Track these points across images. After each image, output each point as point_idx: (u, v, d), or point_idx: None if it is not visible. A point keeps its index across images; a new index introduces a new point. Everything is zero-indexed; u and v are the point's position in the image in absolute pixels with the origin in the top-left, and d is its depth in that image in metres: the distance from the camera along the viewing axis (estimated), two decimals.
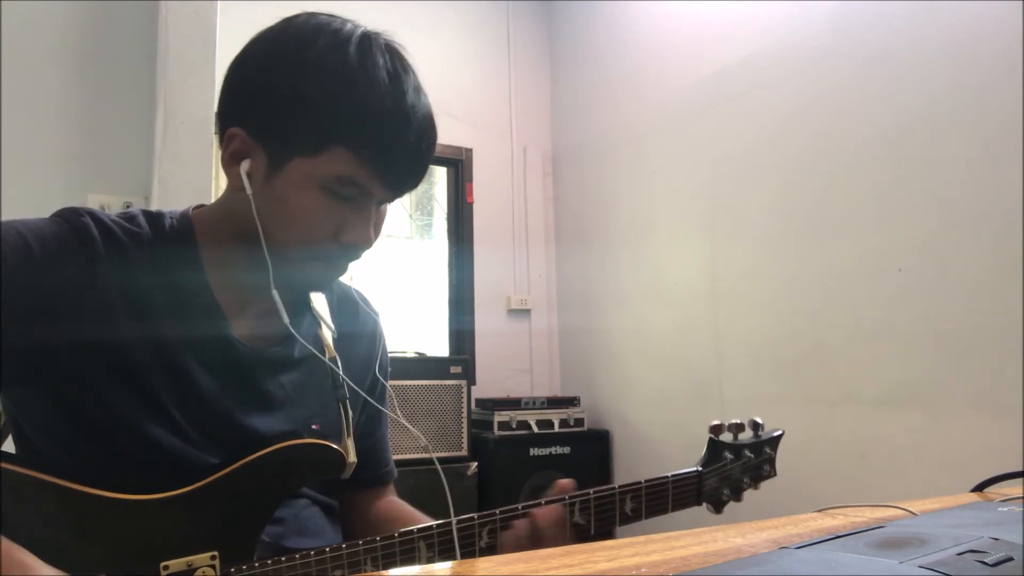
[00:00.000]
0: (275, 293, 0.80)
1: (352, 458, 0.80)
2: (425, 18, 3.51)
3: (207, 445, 0.79)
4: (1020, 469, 0.96)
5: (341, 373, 0.89)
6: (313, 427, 0.86)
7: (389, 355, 1.08)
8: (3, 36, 2.57)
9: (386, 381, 1.04)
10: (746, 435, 0.96)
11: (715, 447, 0.94)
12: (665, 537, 0.71)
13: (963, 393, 1.93)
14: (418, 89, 0.81)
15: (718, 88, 2.77)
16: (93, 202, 2.66)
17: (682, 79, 2.96)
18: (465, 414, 2.91)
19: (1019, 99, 1.83)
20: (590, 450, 3.15)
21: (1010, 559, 0.47)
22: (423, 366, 2.95)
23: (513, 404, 3.08)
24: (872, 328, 2.17)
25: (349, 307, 1.00)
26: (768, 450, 0.98)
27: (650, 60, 3.16)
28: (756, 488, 0.96)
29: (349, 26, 0.80)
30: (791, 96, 2.48)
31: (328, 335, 0.90)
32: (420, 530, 0.79)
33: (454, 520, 0.81)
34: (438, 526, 0.79)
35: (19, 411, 0.82)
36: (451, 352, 3.50)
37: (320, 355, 0.87)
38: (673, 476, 0.90)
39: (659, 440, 2.99)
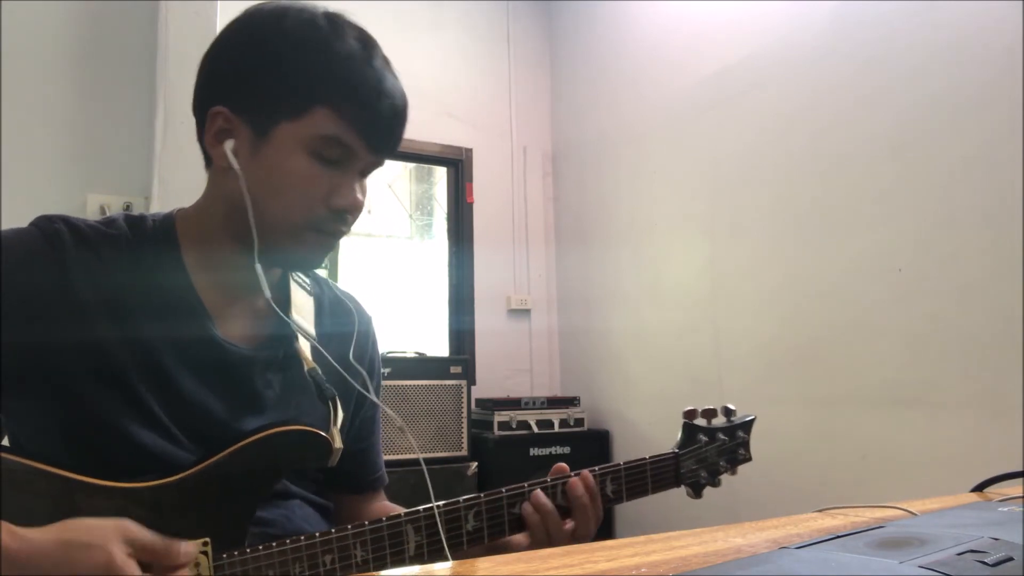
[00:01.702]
0: (258, 267, 0.80)
1: (338, 444, 0.80)
2: (425, 18, 3.52)
3: (195, 447, 0.80)
4: (1020, 469, 0.96)
5: (323, 369, 0.89)
6: None
7: (387, 355, 1.07)
8: (3, 36, 2.57)
9: (378, 383, 1.04)
10: (719, 421, 0.98)
11: (690, 431, 0.95)
12: (665, 537, 0.71)
13: (963, 393, 1.93)
14: (386, 59, 0.84)
15: (718, 88, 2.77)
16: (93, 202, 2.66)
17: (682, 79, 2.96)
18: (465, 414, 2.91)
19: (1019, 99, 1.83)
20: (590, 450, 3.15)
21: (1010, 559, 0.47)
22: (423, 366, 2.95)
23: (513, 404, 3.08)
24: (872, 328, 2.17)
25: (341, 308, 1.00)
26: (741, 434, 0.99)
27: (650, 60, 3.16)
28: (733, 473, 0.97)
29: (312, 5, 0.83)
30: (791, 96, 2.47)
31: (308, 332, 0.90)
32: (407, 514, 0.79)
33: (483, 496, 0.82)
34: (424, 510, 0.80)
35: (12, 421, 0.82)
36: (451, 352, 3.50)
37: (312, 341, 0.88)
38: (651, 458, 0.91)
39: (659, 440, 2.97)
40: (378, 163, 0.85)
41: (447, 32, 3.60)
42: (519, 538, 0.88)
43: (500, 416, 2.99)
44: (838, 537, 0.57)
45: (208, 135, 0.83)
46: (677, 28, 3.02)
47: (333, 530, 0.76)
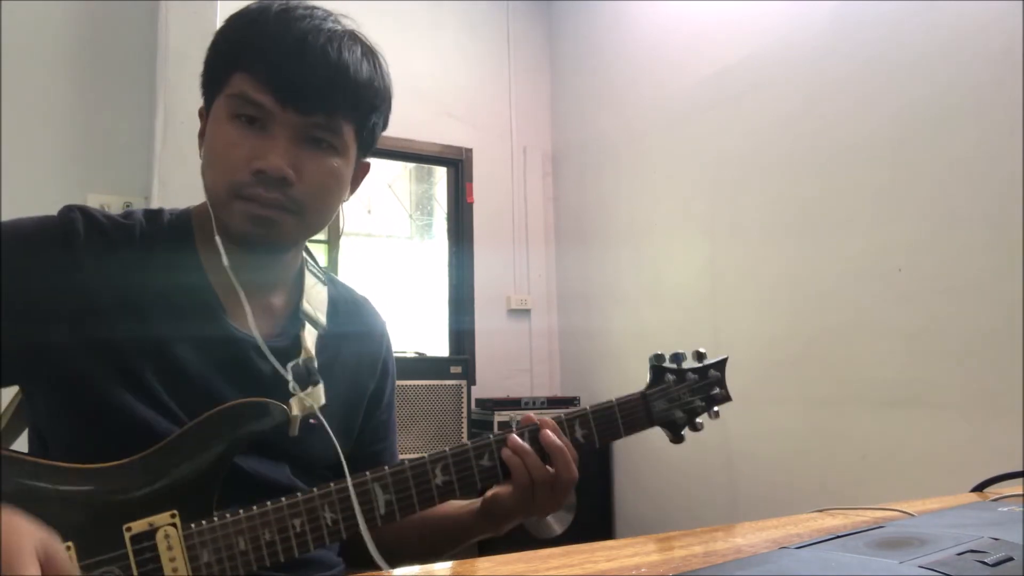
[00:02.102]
0: (218, 239, 0.81)
1: (295, 412, 0.81)
2: (425, 18, 3.52)
3: None
4: (1020, 469, 0.97)
5: (335, 368, 0.90)
6: (310, 420, 0.86)
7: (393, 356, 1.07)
8: (3, 36, 2.57)
9: (392, 388, 1.04)
10: (690, 364, 0.96)
11: (657, 372, 0.92)
12: (665, 537, 0.71)
13: (963, 393, 1.93)
14: (328, 18, 0.83)
15: (718, 88, 2.77)
16: (93, 202, 2.66)
17: (682, 79, 2.96)
18: (465, 414, 2.91)
19: (1019, 99, 1.83)
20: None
21: (1010, 559, 0.47)
22: (423, 366, 2.95)
23: (513, 404, 3.08)
24: (872, 328, 2.17)
25: (352, 309, 1.00)
26: (714, 372, 0.95)
27: (650, 60, 3.16)
28: (713, 416, 0.94)
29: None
30: (791, 96, 2.48)
31: (311, 337, 0.89)
32: (373, 473, 0.79)
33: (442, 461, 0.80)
34: (390, 468, 0.79)
35: (31, 406, 0.83)
36: (451, 352, 3.50)
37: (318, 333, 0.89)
38: (618, 399, 0.90)
39: (659, 439, 2.98)
40: (310, 122, 0.80)
41: (447, 32, 3.60)
42: (502, 490, 0.87)
43: (500, 416, 2.99)
44: (838, 537, 0.57)
45: (199, 135, 0.87)
46: (677, 28, 3.02)
47: (299, 494, 0.76)
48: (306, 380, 0.85)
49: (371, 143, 0.91)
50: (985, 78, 1.92)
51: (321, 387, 0.86)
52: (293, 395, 0.84)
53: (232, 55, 0.81)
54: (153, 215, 0.87)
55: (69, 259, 0.79)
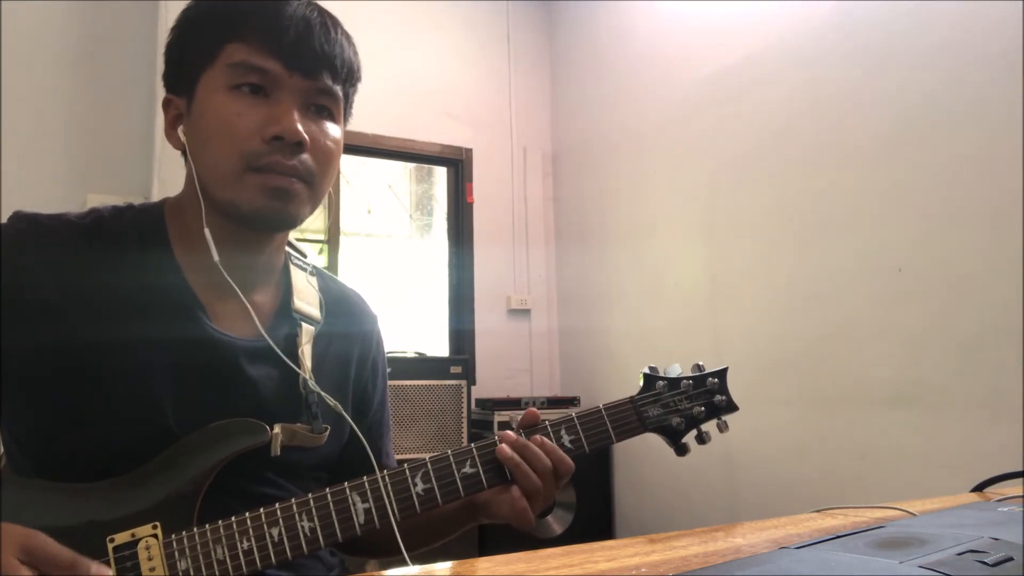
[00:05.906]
0: (207, 231, 0.79)
1: (276, 431, 0.80)
2: (425, 18, 3.52)
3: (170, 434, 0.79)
4: (1020, 469, 0.97)
5: (327, 366, 0.89)
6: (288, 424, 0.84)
7: (387, 355, 1.06)
8: (3, 36, 2.57)
9: (384, 384, 1.03)
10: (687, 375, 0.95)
11: (649, 380, 0.91)
12: (665, 537, 0.71)
13: (963, 393, 1.93)
14: None
15: (718, 88, 2.77)
16: (93, 202, 2.65)
17: (682, 79, 2.96)
18: (465, 414, 2.91)
19: (1019, 99, 1.83)
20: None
21: (1010, 559, 0.47)
22: (423, 366, 2.95)
23: (513, 404, 3.08)
24: (872, 328, 2.17)
25: (344, 306, 0.98)
26: (712, 380, 0.92)
27: (650, 60, 3.16)
28: (723, 428, 0.91)
29: None
30: (791, 96, 2.47)
31: (305, 336, 0.88)
32: (351, 482, 0.79)
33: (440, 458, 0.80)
34: (368, 478, 0.78)
35: (9, 420, 0.82)
36: (451, 352, 3.50)
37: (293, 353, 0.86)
38: (604, 405, 0.89)
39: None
40: (316, 88, 0.81)
41: (447, 32, 3.60)
42: (495, 497, 0.85)
43: (500, 416, 2.99)
44: (838, 537, 0.57)
45: (166, 127, 0.84)
46: (677, 28, 3.02)
47: (277, 504, 0.76)
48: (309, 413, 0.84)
49: (347, 119, 0.91)
50: (985, 78, 1.92)
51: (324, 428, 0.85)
52: (286, 405, 0.83)
53: (224, 27, 0.79)
54: (120, 212, 0.84)
55: (17, 269, 0.77)
